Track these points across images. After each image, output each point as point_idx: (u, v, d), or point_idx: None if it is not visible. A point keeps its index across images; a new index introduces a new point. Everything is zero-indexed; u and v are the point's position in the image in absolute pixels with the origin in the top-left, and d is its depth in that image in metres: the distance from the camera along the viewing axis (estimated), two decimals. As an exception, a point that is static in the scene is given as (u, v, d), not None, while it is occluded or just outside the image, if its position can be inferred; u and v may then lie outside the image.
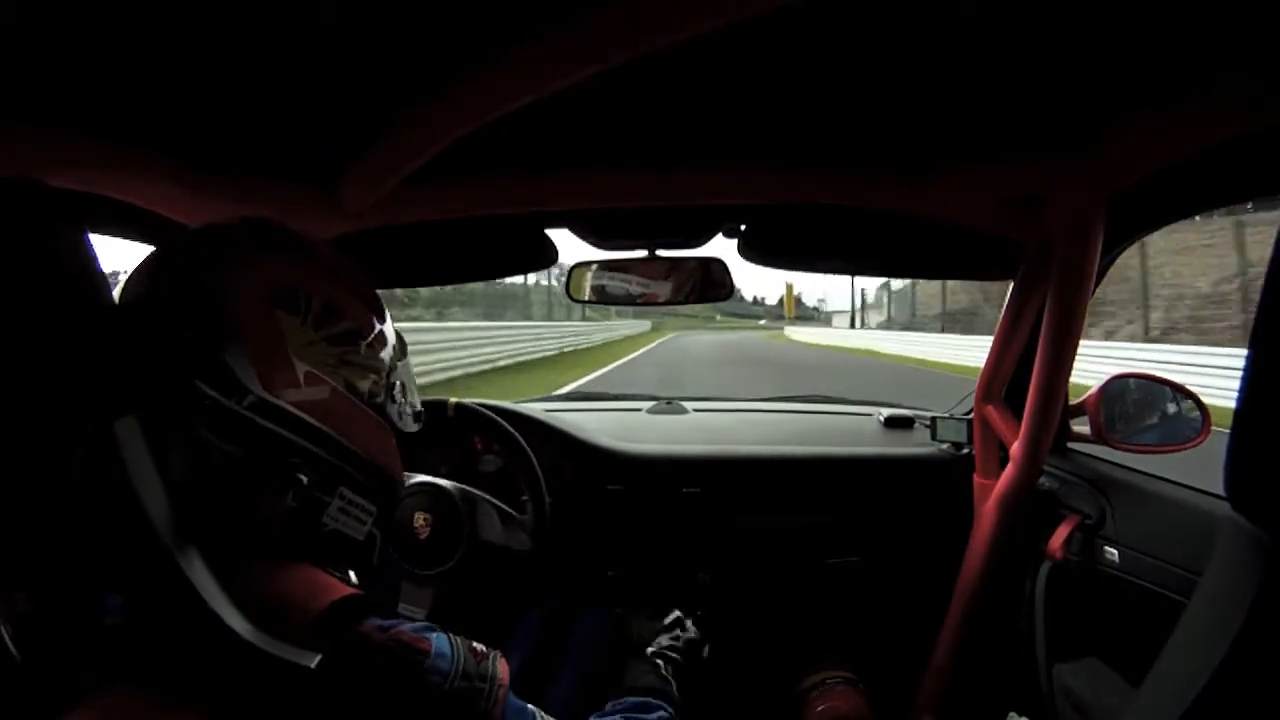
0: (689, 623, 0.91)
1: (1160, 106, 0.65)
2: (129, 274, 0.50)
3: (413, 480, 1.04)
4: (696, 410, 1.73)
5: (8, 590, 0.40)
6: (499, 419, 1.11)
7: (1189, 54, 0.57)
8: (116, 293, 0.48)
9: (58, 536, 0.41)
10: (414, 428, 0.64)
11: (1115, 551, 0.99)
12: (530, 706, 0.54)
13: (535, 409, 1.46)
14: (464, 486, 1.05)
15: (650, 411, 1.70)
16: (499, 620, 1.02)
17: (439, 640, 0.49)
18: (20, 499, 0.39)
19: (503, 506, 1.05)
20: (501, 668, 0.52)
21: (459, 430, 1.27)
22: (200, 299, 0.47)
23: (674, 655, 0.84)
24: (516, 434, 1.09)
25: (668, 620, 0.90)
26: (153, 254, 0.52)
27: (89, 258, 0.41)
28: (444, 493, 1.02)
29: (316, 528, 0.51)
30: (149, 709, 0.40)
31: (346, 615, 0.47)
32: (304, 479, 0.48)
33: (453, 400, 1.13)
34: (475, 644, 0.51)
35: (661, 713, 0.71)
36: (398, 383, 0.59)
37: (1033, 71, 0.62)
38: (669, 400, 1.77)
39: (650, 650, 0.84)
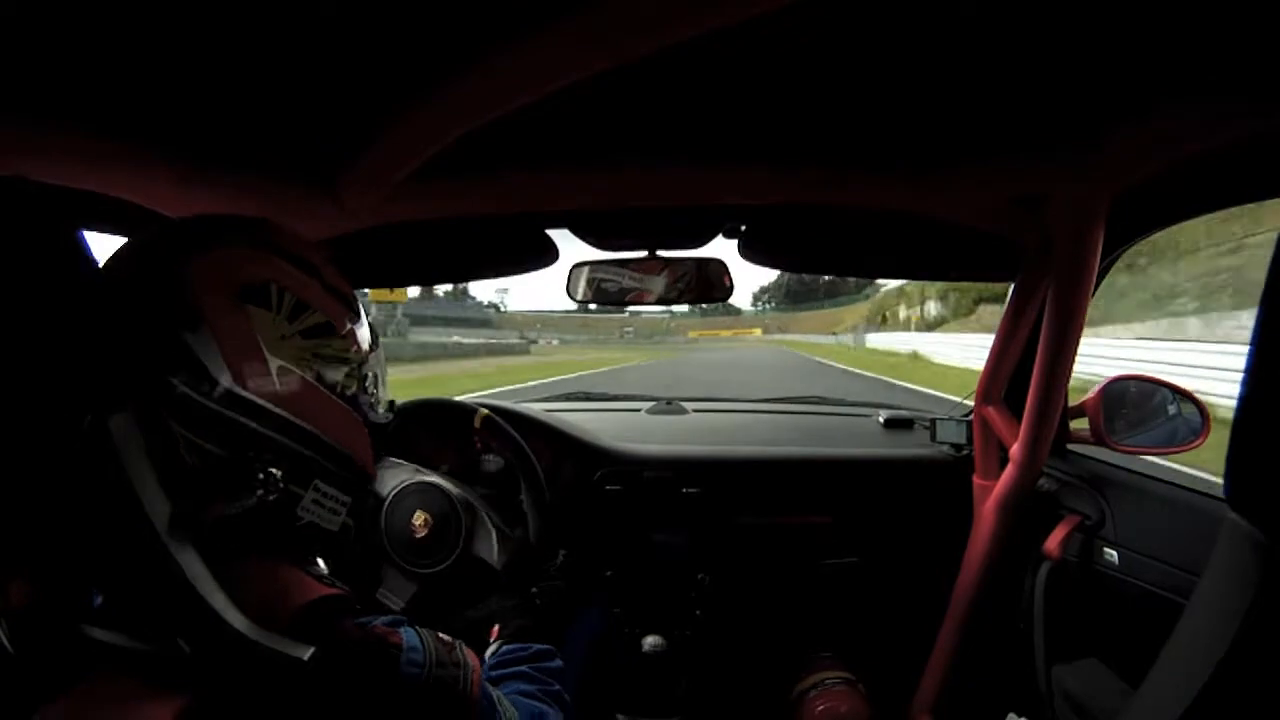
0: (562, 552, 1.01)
1: (1161, 108, 0.65)
2: (103, 265, 0.50)
3: (421, 479, 1.04)
4: (696, 411, 1.73)
5: (2, 582, 0.40)
6: (496, 417, 1.10)
7: (1190, 55, 0.57)
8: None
9: (54, 530, 0.41)
10: (384, 419, 0.64)
11: (1114, 553, 0.99)
12: (496, 691, 0.56)
13: (535, 409, 1.46)
14: (469, 497, 1.05)
15: (650, 412, 1.70)
16: (470, 628, 1.02)
17: (408, 634, 0.50)
18: (16, 492, 0.39)
19: (502, 528, 1.05)
20: (469, 655, 0.53)
21: (459, 428, 1.27)
22: (162, 285, 0.47)
23: (550, 595, 0.94)
24: (514, 432, 1.09)
25: (559, 561, 1.01)
26: (124, 245, 0.51)
27: (82, 254, 0.41)
28: (449, 499, 1.02)
29: (291, 520, 0.51)
30: (134, 692, 0.40)
31: (324, 614, 0.47)
32: (276, 473, 0.48)
33: (483, 411, 1.10)
34: (441, 635, 0.53)
35: (558, 662, 0.77)
36: (370, 374, 0.59)
37: (1034, 72, 0.62)
38: (669, 401, 1.77)
39: (535, 590, 0.93)
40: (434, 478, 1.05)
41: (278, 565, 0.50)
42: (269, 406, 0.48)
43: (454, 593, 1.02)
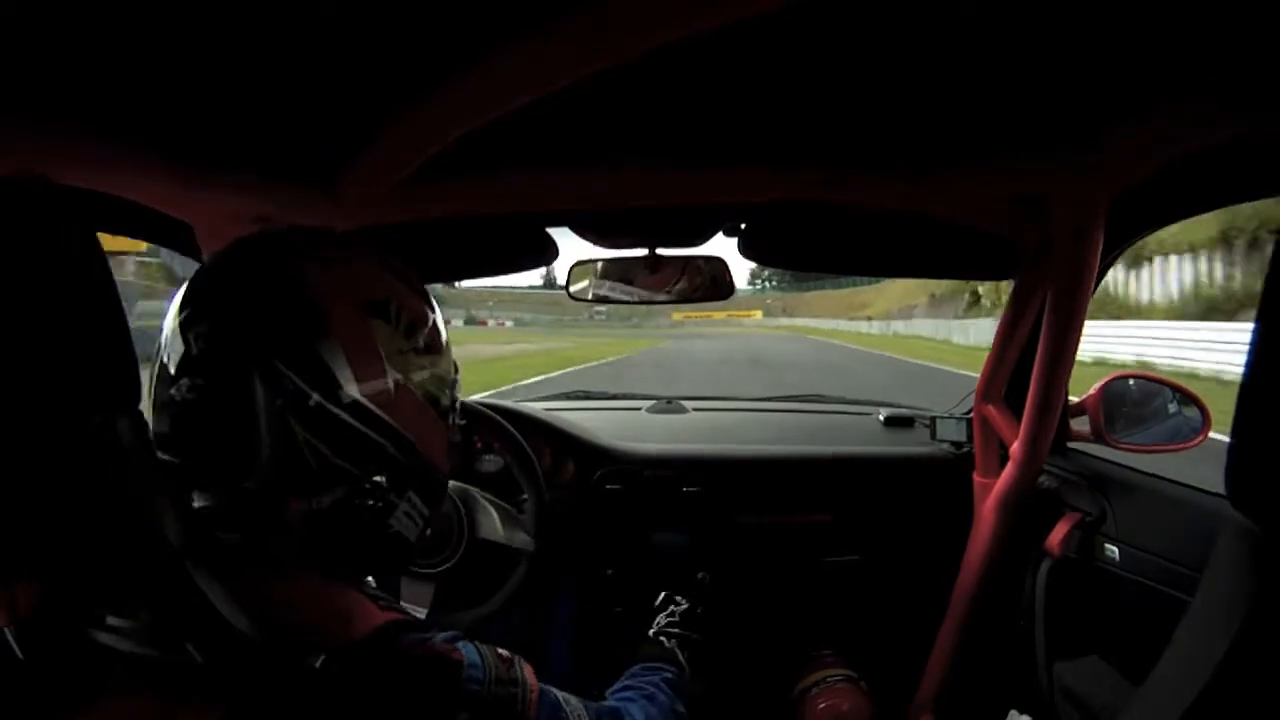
0: (678, 597, 0.96)
1: (1161, 107, 0.65)
2: (203, 268, 0.51)
3: None
4: (696, 410, 1.73)
5: (9, 585, 0.40)
6: (496, 416, 1.11)
7: (1190, 55, 0.57)
8: (179, 295, 0.49)
9: (59, 533, 0.41)
10: (459, 438, 0.65)
11: (1115, 549, 0.99)
12: (556, 694, 0.55)
13: (535, 408, 1.46)
14: (463, 485, 1.05)
15: (650, 411, 1.70)
16: (503, 615, 1.03)
17: (468, 650, 0.49)
18: (23, 495, 0.39)
19: (502, 505, 1.06)
20: (528, 671, 0.53)
21: (458, 430, 1.27)
22: (293, 294, 0.48)
23: (674, 630, 0.89)
24: (514, 431, 1.09)
25: (656, 602, 0.96)
26: (232, 247, 0.52)
27: (96, 255, 0.41)
28: None
29: (384, 529, 0.52)
30: (164, 702, 0.40)
31: (388, 636, 0.47)
32: (382, 481, 0.50)
33: None
34: (500, 650, 0.53)
35: (666, 673, 0.76)
36: (459, 396, 0.60)
37: (1034, 71, 0.62)
38: (669, 399, 1.77)
39: (651, 632, 0.90)
40: None
41: (336, 587, 0.50)
42: (385, 418, 0.49)
43: (474, 581, 1.03)
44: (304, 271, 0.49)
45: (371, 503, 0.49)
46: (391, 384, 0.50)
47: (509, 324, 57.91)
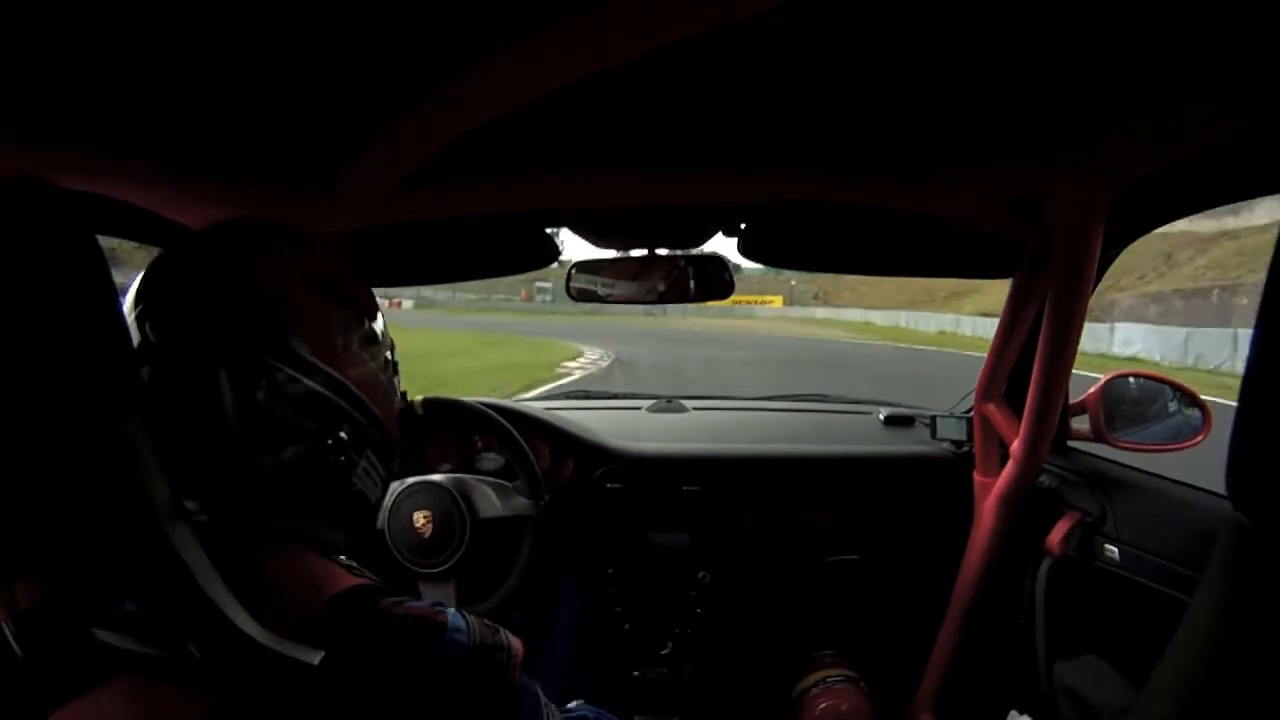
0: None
1: (1161, 107, 0.65)
2: (150, 267, 0.51)
3: (407, 482, 1.04)
4: (696, 409, 1.73)
5: (8, 583, 0.40)
6: (495, 414, 1.11)
7: (1190, 55, 0.57)
8: (133, 289, 0.50)
9: (59, 532, 0.41)
10: (404, 404, 0.67)
11: (1115, 549, 0.99)
12: (535, 687, 0.57)
13: (535, 407, 1.46)
14: (456, 475, 1.06)
15: (650, 410, 1.70)
16: (529, 588, 1.04)
17: (453, 615, 0.50)
18: (23, 492, 0.39)
19: (495, 480, 1.06)
20: (513, 640, 0.54)
21: (458, 430, 1.27)
22: (243, 276, 0.50)
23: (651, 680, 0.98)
24: (510, 427, 1.09)
25: (665, 651, 1.05)
26: (176, 246, 0.53)
27: (96, 257, 0.42)
28: (437, 487, 1.03)
29: (348, 486, 0.54)
30: (163, 694, 0.40)
31: (359, 599, 0.48)
32: (345, 437, 0.53)
33: (418, 399, 1.12)
34: (485, 619, 0.53)
35: None
36: (396, 361, 0.64)
37: (1034, 71, 0.62)
38: (669, 399, 1.77)
39: (636, 674, 1.00)
40: (414, 478, 1.06)
41: (306, 556, 0.51)
42: (344, 381, 0.52)
43: (490, 563, 1.03)
44: (254, 257, 0.51)
45: (333, 458, 0.52)
46: (344, 351, 0.53)
47: (407, 304, 42.75)
